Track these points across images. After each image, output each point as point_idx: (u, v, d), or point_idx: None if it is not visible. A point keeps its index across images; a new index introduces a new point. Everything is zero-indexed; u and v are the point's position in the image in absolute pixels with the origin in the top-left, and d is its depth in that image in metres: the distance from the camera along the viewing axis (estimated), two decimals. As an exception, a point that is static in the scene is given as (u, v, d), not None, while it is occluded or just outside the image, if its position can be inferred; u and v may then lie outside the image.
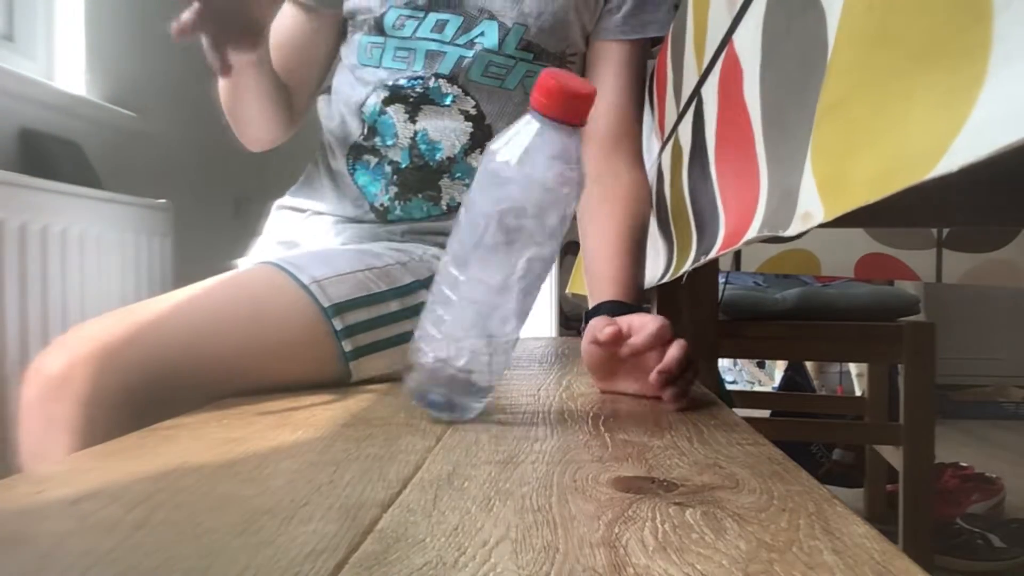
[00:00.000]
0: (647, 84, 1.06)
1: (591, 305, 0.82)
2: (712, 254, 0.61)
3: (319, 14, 0.95)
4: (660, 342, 0.65)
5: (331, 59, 0.98)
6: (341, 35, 0.97)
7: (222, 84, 0.88)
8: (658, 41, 0.97)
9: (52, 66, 1.62)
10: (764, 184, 0.47)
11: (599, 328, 0.67)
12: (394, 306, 0.83)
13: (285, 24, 0.96)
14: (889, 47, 0.29)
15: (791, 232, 0.39)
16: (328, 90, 1.00)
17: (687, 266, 0.71)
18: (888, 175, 0.28)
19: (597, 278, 0.85)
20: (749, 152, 0.50)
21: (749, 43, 0.51)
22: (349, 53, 0.95)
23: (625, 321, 0.68)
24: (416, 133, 0.91)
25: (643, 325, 0.66)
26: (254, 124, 0.92)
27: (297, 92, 0.96)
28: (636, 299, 0.81)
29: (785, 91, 0.43)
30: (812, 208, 0.36)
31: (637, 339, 0.65)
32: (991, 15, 0.23)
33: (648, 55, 0.99)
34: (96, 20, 1.69)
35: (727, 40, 0.57)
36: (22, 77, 1.46)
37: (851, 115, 0.33)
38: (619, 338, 0.66)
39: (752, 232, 0.48)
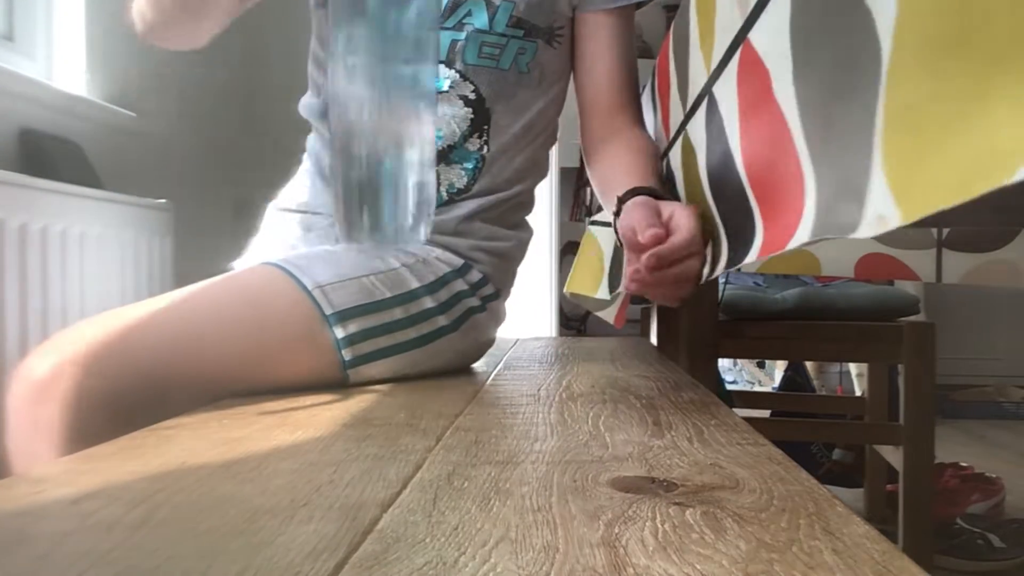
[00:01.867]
0: (650, 83, 1.06)
1: (622, 194, 0.77)
2: (751, 258, 0.60)
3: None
4: (689, 252, 0.64)
5: None
6: None
7: None
8: (642, 4, 0.98)
9: (52, 66, 1.62)
10: (811, 186, 0.47)
11: (642, 221, 0.65)
12: (398, 313, 0.82)
13: None
14: (962, 47, 0.29)
15: (862, 235, 0.39)
16: (315, 90, 0.99)
17: (720, 269, 0.70)
18: (972, 177, 0.28)
19: (624, 182, 0.80)
20: (789, 154, 0.49)
21: (772, 44, 0.51)
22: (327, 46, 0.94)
23: (667, 211, 0.66)
24: None
25: (678, 227, 0.65)
26: (206, 23, 0.86)
27: None
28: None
29: (830, 92, 0.43)
30: (886, 211, 0.36)
31: (672, 242, 0.64)
32: None
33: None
34: (96, 20, 1.69)
35: (741, 39, 0.57)
36: (22, 77, 1.46)
37: (925, 117, 0.32)
38: (660, 241, 0.64)
39: (804, 235, 0.47)
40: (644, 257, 0.62)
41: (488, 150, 0.92)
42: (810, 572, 0.28)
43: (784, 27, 0.48)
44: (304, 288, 0.77)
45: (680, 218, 0.65)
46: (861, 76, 0.37)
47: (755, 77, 0.55)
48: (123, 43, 1.81)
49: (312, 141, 1.00)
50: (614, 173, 0.88)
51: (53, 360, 0.66)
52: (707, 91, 0.70)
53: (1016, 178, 0.25)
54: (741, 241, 0.62)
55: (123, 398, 0.66)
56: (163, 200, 1.72)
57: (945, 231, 1.61)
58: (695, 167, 0.76)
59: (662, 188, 0.80)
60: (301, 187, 1.00)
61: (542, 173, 1.02)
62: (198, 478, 0.43)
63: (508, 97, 0.92)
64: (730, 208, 0.65)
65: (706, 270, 0.75)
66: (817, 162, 0.46)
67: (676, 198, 0.81)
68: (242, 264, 0.98)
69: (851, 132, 0.39)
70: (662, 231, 0.64)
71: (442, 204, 0.93)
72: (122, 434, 0.56)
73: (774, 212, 0.55)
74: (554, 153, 1.09)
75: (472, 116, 0.91)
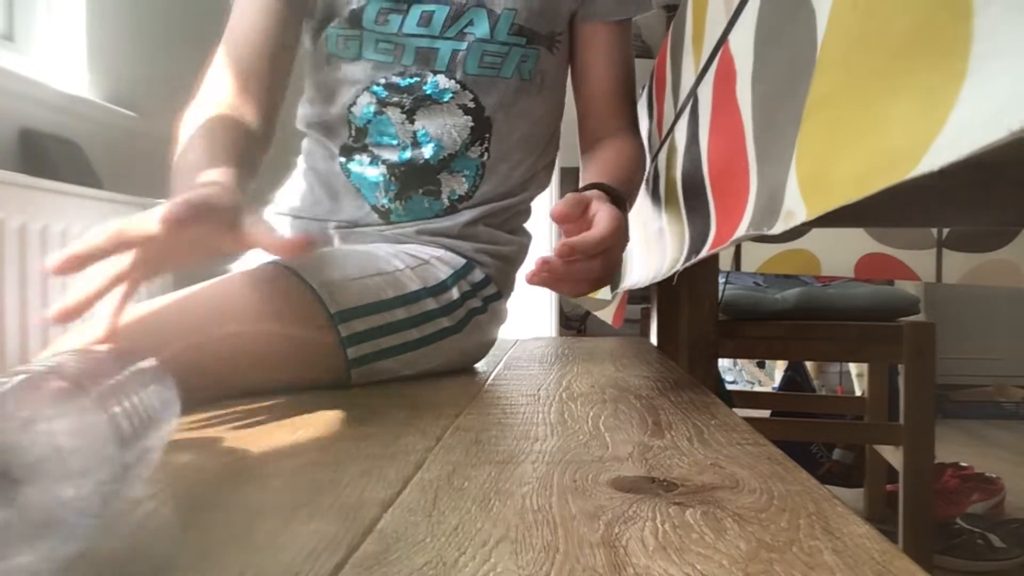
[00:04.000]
0: (647, 85, 1.06)
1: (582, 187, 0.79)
2: (702, 254, 0.61)
3: (288, 14, 0.87)
4: (599, 249, 0.64)
5: (294, 60, 0.91)
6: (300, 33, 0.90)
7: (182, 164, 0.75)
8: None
9: (52, 66, 1.62)
10: (753, 184, 0.47)
11: (563, 202, 0.65)
12: (400, 314, 0.82)
13: (254, 26, 0.85)
14: (871, 46, 0.29)
15: (775, 231, 0.39)
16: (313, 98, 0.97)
17: (680, 265, 0.71)
18: (869, 174, 0.28)
19: (592, 175, 0.84)
20: (740, 152, 0.50)
21: (743, 43, 0.51)
22: (318, 47, 0.91)
23: (595, 207, 0.66)
24: (416, 133, 0.90)
25: (597, 223, 0.64)
26: None
27: (271, 98, 0.86)
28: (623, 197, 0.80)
29: (775, 91, 0.43)
30: (795, 207, 0.36)
31: (586, 236, 0.63)
32: (971, 13, 0.23)
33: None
34: (96, 20, 1.69)
35: (723, 40, 0.57)
36: (22, 77, 1.46)
37: (834, 114, 0.33)
38: (566, 217, 0.65)
39: (740, 231, 0.48)
40: (558, 246, 0.62)
41: (488, 157, 0.92)
42: (810, 572, 0.28)
43: (752, 26, 0.48)
44: (309, 287, 0.77)
45: (602, 218, 0.65)
46: (799, 75, 0.38)
47: (727, 78, 0.55)
48: (123, 43, 1.81)
49: (307, 145, 0.99)
50: (589, 170, 0.91)
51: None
52: (692, 92, 0.70)
53: (913, 174, 0.25)
54: (700, 236, 0.63)
55: None
56: (163, 200, 1.72)
57: (945, 231, 1.61)
58: (674, 167, 0.77)
59: (623, 190, 0.80)
60: (297, 192, 0.99)
61: (543, 185, 1.03)
62: (198, 478, 0.43)
63: (509, 105, 0.92)
64: (695, 205, 0.66)
65: (667, 264, 0.76)
66: (760, 160, 0.46)
67: (623, 203, 0.80)
68: (239, 267, 0.98)
69: (784, 130, 0.40)
70: (569, 210, 0.64)
71: (444, 210, 0.93)
72: None
73: (725, 208, 0.55)
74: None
75: (472, 125, 0.90)
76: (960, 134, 0.23)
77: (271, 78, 0.85)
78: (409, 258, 0.87)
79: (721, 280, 1.47)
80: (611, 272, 0.68)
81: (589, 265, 0.65)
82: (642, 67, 1.03)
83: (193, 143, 0.77)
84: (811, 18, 0.36)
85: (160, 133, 1.90)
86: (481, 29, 0.89)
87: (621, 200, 0.77)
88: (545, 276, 0.64)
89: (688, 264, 0.67)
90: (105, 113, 1.70)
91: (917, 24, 0.26)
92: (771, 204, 0.41)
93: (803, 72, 0.37)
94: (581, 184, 0.90)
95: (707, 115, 0.62)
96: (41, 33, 1.60)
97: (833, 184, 0.32)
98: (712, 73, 0.61)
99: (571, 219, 0.65)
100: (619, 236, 0.65)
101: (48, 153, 1.47)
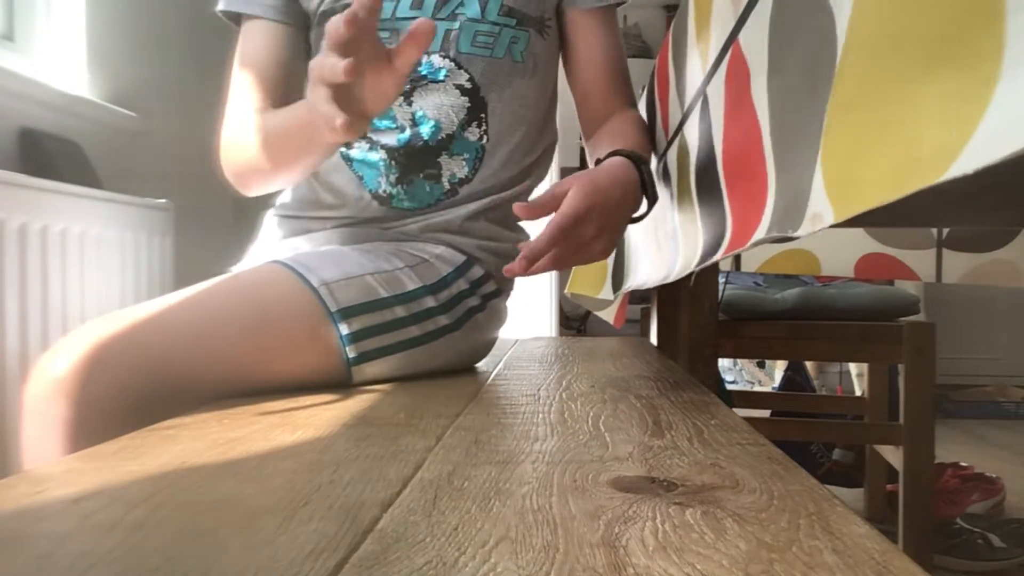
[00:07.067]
0: (648, 85, 1.06)
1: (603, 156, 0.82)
2: (719, 255, 0.61)
3: (293, 29, 0.92)
4: (566, 226, 0.69)
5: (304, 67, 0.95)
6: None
7: (284, 142, 0.84)
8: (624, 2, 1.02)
9: (52, 66, 1.62)
10: (772, 185, 0.47)
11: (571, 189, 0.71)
12: (400, 312, 0.82)
13: (270, 44, 0.91)
14: (900, 49, 0.29)
15: (800, 233, 0.39)
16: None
17: (693, 266, 0.71)
18: (900, 177, 0.28)
19: (607, 147, 0.85)
20: (757, 153, 0.50)
21: (756, 43, 0.51)
22: (320, 48, 0.92)
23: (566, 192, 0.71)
24: (414, 114, 0.90)
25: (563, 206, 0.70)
26: (295, 174, 0.90)
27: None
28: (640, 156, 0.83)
29: (794, 92, 0.43)
30: (822, 210, 0.36)
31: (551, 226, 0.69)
32: (1003, 17, 0.23)
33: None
34: (96, 20, 1.69)
35: (733, 39, 0.57)
36: (22, 77, 1.46)
37: (862, 117, 0.32)
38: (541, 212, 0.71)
39: (760, 233, 0.48)
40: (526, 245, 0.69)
41: (487, 140, 0.93)
42: (810, 572, 0.28)
43: (765, 25, 0.48)
44: (310, 285, 0.77)
45: (567, 199, 0.70)
46: (819, 76, 0.37)
47: (739, 76, 0.55)
48: (123, 43, 1.81)
49: None
50: (601, 140, 0.91)
51: (69, 359, 0.67)
52: (702, 91, 0.70)
53: (945, 177, 0.25)
54: (715, 238, 0.63)
55: (136, 396, 0.67)
56: (163, 200, 1.72)
57: (945, 231, 1.61)
58: (688, 168, 0.76)
59: (644, 152, 0.84)
60: (298, 193, 0.99)
61: (540, 176, 1.03)
62: (198, 478, 0.43)
63: (502, 86, 0.93)
64: (709, 206, 0.66)
65: (679, 266, 0.76)
66: (779, 161, 0.46)
67: (641, 162, 0.83)
68: (241, 268, 0.98)
69: (805, 132, 0.40)
70: (534, 209, 0.71)
71: (445, 194, 0.93)
72: (134, 431, 0.57)
73: (742, 210, 0.55)
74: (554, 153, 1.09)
75: (468, 105, 0.91)
76: (993, 137, 0.22)
77: (288, 88, 0.92)
78: (409, 256, 0.87)
79: (721, 280, 1.47)
80: (612, 234, 0.74)
81: (579, 232, 0.69)
82: (642, 67, 1.04)
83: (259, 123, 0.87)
84: (829, 20, 0.36)
85: (160, 133, 1.91)
86: (472, 9, 0.90)
87: (639, 159, 0.80)
88: (524, 264, 0.68)
89: (703, 266, 0.67)
90: (105, 113, 1.70)
91: (946, 27, 0.26)
92: (794, 206, 0.41)
93: (824, 72, 0.37)
94: (591, 162, 0.90)
95: (720, 115, 0.62)
96: (41, 33, 1.60)
97: (863, 187, 0.32)
98: (723, 72, 0.60)
99: (537, 216, 0.71)
100: (587, 206, 0.70)
101: (48, 153, 1.47)
